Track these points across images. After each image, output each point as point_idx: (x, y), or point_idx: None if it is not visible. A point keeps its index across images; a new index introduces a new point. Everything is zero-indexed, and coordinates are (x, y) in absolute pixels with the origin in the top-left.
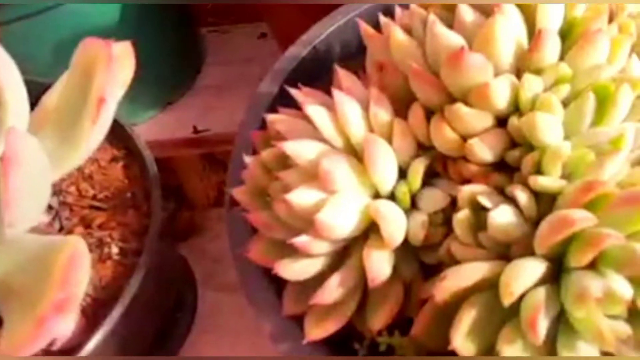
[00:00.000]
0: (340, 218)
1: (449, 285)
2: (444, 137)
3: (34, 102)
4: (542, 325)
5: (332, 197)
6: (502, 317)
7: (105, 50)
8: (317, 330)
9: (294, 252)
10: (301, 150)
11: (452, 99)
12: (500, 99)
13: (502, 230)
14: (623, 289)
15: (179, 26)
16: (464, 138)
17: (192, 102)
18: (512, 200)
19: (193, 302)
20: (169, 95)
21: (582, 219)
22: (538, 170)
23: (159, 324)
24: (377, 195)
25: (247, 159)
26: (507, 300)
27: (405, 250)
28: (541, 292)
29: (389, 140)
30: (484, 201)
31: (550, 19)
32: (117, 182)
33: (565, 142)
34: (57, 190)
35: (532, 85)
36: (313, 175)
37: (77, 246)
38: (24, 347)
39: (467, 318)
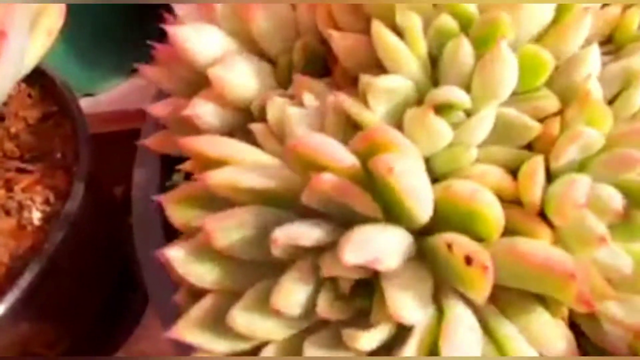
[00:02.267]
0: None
1: None
2: (321, 21)
3: None
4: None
5: (207, 29)
6: None
7: None
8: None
9: None
10: None
11: None
12: None
13: (295, 121)
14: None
15: None
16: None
17: None
18: None
19: None
20: (132, 62)
21: (317, 148)
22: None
23: (100, 300)
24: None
25: None
26: None
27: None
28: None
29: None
30: (307, 99)
31: None
32: (46, 142)
33: (397, 78)
34: None
35: None
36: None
37: None
38: None
39: None
